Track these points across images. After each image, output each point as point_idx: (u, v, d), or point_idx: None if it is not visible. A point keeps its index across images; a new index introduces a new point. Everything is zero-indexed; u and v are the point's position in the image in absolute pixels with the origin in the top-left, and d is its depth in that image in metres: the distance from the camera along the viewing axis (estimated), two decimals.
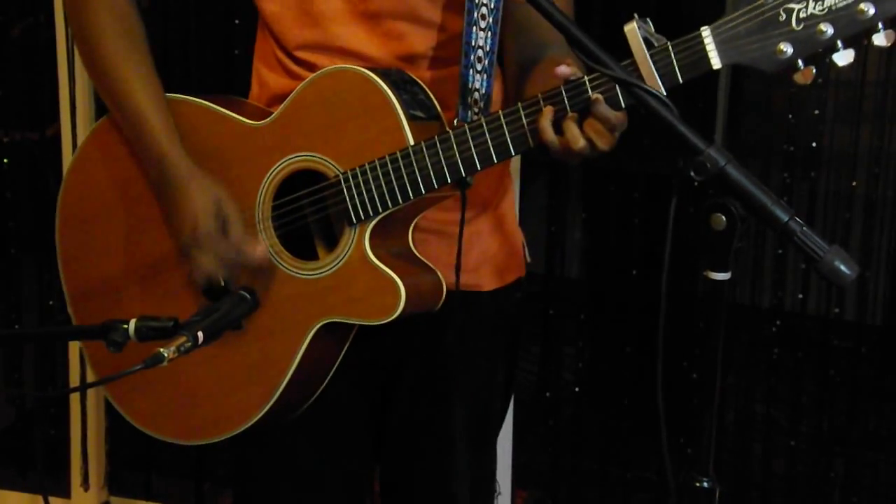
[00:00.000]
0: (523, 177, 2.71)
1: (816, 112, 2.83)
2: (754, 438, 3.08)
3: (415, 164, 1.50)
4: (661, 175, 2.93)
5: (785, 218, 1.23)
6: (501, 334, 1.79)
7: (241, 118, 1.62)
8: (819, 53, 1.31)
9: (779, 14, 1.30)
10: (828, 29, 1.29)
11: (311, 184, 1.58)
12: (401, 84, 1.54)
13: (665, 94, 1.34)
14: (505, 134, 1.45)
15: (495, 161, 1.48)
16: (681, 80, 1.35)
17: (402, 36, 1.59)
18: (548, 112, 1.41)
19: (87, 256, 1.75)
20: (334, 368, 1.65)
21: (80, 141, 2.79)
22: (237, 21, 2.68)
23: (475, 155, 1.48)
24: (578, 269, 3.61)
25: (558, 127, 1.42)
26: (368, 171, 1.53)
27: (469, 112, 1.55)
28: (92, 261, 1.74)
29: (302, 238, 1.63)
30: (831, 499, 3.03)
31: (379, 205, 1.53)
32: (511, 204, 1.78)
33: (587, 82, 1.40)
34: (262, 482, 1.76)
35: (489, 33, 1.55)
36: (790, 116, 2.85)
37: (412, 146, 1.50)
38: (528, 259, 1.82)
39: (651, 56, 1.34)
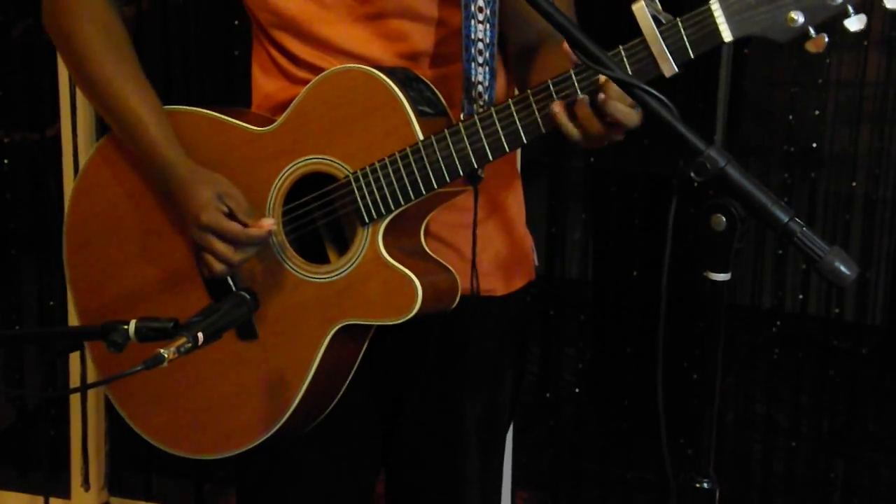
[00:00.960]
0: (523, 177, 2.70)
1: (817, 112, 2.84)
2: (754, 439, 3.08)
3: (426, 159, 1.49)
4: (662, 175, 2.93)
5: (785, 218, 1.23)
6: (511, 339, 1.78)
7: (246, 125, 1.61)
8: (831, 20, 1.28)
9: None
10: None
11: (322, 187, 1.57)
12: (406, 81, 1.53)
13: (677, 70, 1.33)
14: (516, 122, 1.44)
15: (507, 150, 1.46)
16: (692, 56, 1.34)
17: (403, 35, 1.59)
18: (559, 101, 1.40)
19: (97, 275, 1.73)
20: (352, 373, 1.63)
21: (80, 142, 2.80)
22: (237, 22, 2.69)
23: (486, 146, 1.46)
24: (579, 270, 3.61)
25: (571, 112, 1.41)
26: (379, 170, 1.52)
27: (474, 105, 1.54)
28: (102, 279, 1.73)
29: (314, 242, 1.62)
30: (831, 499, 3.03)
31: (391, 202, 1.52)
32: (520, 208, 1.77)
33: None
34: (267, 488, 1.75)
35: (488, 25, 1.54)
36: (790, 117, 2.85)
37: (422, 141, 1.49)
38: (537, 263, 1.81)
39: (661, 33, 1.33)
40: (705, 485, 1.34)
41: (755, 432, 3.07)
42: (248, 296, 1.46)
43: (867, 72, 2.91)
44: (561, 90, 1.41)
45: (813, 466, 3.04)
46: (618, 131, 1.42)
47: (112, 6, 1.65)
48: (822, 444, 3.03)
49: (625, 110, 1.38)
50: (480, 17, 1.53)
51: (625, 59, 1.35)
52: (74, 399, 2.97)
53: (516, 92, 1.47)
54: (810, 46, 1.30)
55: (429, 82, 1.56)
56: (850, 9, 1.27)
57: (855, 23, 1.27)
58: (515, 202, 1.76)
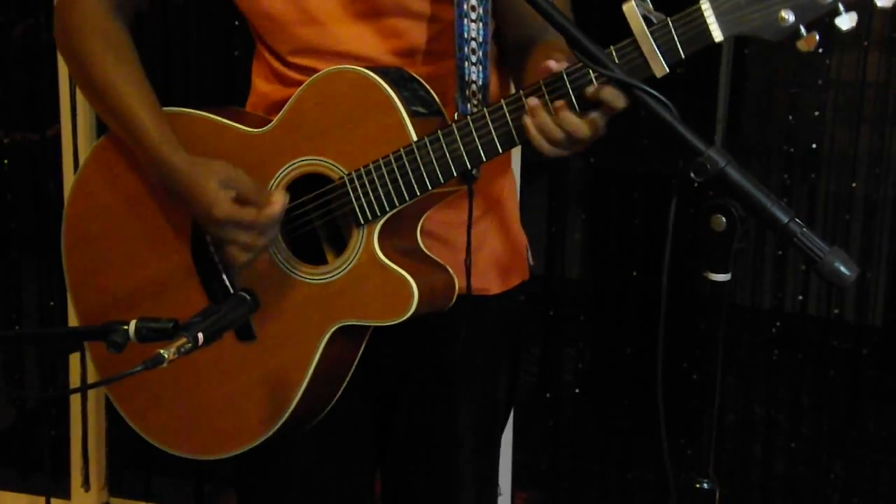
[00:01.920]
0: (523, 178, 2.70)
1: (816, 113, 2.84)
2: (754, 439, 3.08)
3: (419, 160, 1.49)
4: (661, 176, 2.93)
5: (785, 219, 1.23)
6: (505, 338, 1.79)
7: (241, 126, 1.61)
8: (822, 18, 1.28)
9: None
10: None
11: (317, 188, 1.57)
12: (400, 81, 1.53)
13: (668, 70, 1.33)
14: (508, 123, 1.44)
15: (500, 151, 1.47)
16: (682, 56, 1.34)
17: (396, 32, 1.59)
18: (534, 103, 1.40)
19: (96, 275, 1.74)
20: (350, 373, 1.64)
21: (80, 142, 2.80)
22: (237, 22, 2.69)
23: (479, 146, 1.47)
24: (578, 270, 3.61)
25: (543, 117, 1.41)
26: (373, 171, 1.52)
27: (469, 104, 1.54)
28: (102, 279, 1.73)
29: (310, 243, 1.63)
30: (831, 500, 3.02)
31: (386, 204, 1.53)
32: (514, 207, 1.78)
33: (590, 71, 1.38)
34: (266, 487, 1.76)
35: (480, 24, 1.54)
36: (790, 117, 2.85)
37: (416, 142, 1.49)
38: (532, 262, 1.81)
39: (651, 33, 1.33)
40: (705, 485, 1.34)
41: (755, 433, 3.07)
42: (247, 296, 1.46)
43: (867, 72, 2.91)
44: (553, 90, 1.41)
45: (813, 467, 3.04)
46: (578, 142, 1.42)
47: (114, 14, 1.66)
48: (821, 444, 3.03)
49: (577, 121, 1.39)
50: (473, 15, 1.53)
51: (616, 59, 1.35)
52: (75, 400, 2.97)
53: (512, 89, 1.46)
54: (801, 45, 1.30)
55: (423, 81, 1.56)
56: (841, 7, 1.26)
57: (846, 21, 1.27)
58: (510, 201, 1.76)
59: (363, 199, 1.53)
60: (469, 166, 1.49)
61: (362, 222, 1.54)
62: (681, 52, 1.33)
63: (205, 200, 1.56)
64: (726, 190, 1.25)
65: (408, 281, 1.52)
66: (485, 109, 1.46)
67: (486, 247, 1.70)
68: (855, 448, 3.05)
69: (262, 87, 1.69)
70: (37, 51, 3.00)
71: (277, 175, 1.58)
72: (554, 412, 3.13)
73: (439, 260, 1.61)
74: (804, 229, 1.22)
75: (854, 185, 2.95)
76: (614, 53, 1.36)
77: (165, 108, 1.64)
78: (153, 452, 1.73)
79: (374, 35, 1.59)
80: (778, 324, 2.93)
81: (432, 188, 1.51)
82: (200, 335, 1.30)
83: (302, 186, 1.59)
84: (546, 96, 1.41)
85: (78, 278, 1.77)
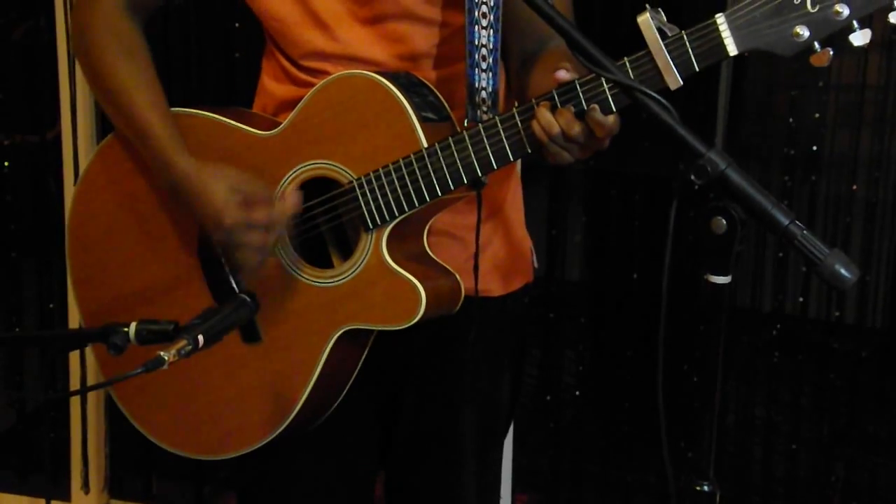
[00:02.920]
0: (524, 180, 2.70)
1: (817, 115, 2.84)
2: (755, 442, 3.08)
3: (430, 167, 1.49)
4: (662, 178, 2.93)
5: (785, 221, 1.23)
6: (509, 340, 1.79)
7: (250, 129, 1.61)
8: (836, 34, 1.29)
9: None
10: (844, 9, 1.27)
11: (325, 192, 1.57)
12: (410, 87, 1.53)
13: (682, 83, 1.33)
14: (520, 132, 1.44)
15: (511, 159, 1.47)
16: (697, 69, 1.34)
17: (403, 37, 1.59)
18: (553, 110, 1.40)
19: (100, 276, 1.74)
20: (354, 376, 1.64)
21: (80, 144, 2.81)
22: (237, 24, 2.68)
23: (491, 154, 1.47)
24: (579, 273, 3.61)
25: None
26: (383, 176, 1.52)
27: (478, 111, 1.54)
28: (106, 280, 1.73)
29: (317, 247, 1.62)
30: (831, 502, 3.02)
31: (395, 209, 1.52)
32: (519, 210, 1.78)
33: (603, 81, 1.39)
34: (267, 488, 1.76)
35: (491, 31, 1.55)
36: (791, 120, 2.85)
37: (426, 148, 1.49)
38: (536, 265, 1.81)
39: (666, 46, 1.33)
40: (705, 487, 1.34)
41: (755, 435, 3.07)
42: (248, 299, 1.46)
43: (867, 75, 2.92)
44: (566, 100, 1.40)
45: (813, 469, 3.04)
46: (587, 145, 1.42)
47: (130, 14, 1.66)
48: (822, 446, 3.03)
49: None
50: (484, 22, 1.54)
51: (629, 71, 1.36)
52: (75, 402, 2.97)
53: (516, 103, 1.47)
54: (815, 60, 1.31)
55: (432, 86, 1.57)
56: (856, 24, 1.27)
57: (860, 38, 1.28)
58: (515, 204, 1.76)
59: (372, 204, 1.53)
60: (480, 174, 1.49)
61: (371, 227, 1.54)
62: (695, 65, 1.34)
63: (213, 206, 1.55)
64: (727, 192, 1.25)
65: (416, 286, 1.52)
66: (496, 118, 1.46)
67: (490, 249, 1.70)
68: (855, 450, 3.05)
69: (271, 86, 1.69)
70: (37, 53, 3.00)
71: (286, 178, 1.58)
72: (554, 414, 3.13)
73: (445, 265, 1.61)
74: (804, 231, 1.22)
75: (854, 187, 2.95)
76: (628, 65, 1.36)
77: (173, 109, 1.64)
78: (153, 454, 1.74)
79: (380, 39, 1.59)
80: (778, 326, 2.93)
81: (442, 195, 1.51)
82: (200, 337, 1.30)
83: (310, 190, 1.58)
84: (559, 106, 1.41)
85: (82, 277, 1.77)
